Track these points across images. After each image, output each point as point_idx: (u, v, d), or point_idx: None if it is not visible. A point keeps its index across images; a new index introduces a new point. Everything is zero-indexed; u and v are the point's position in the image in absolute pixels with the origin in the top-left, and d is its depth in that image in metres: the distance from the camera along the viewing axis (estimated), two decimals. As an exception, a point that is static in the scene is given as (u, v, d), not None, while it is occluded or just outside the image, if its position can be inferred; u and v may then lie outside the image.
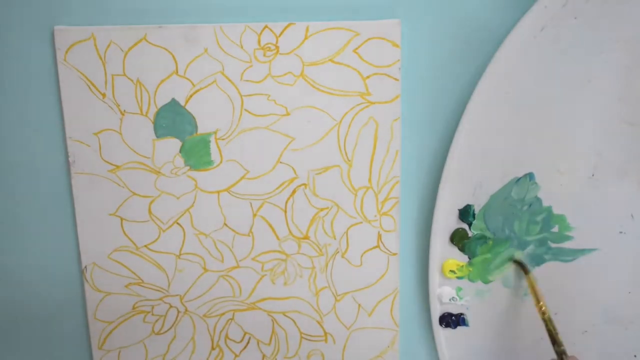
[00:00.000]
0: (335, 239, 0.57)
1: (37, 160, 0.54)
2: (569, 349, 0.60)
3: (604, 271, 0.59)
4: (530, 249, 0.58)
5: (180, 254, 0.56)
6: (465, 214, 0.57)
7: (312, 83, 0.54)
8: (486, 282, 0.59)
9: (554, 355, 0.55)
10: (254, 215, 0.56)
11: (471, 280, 0.59)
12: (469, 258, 0.58)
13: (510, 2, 0.54)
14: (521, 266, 0.57)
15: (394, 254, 0.58)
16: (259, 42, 0.52)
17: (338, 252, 0.58)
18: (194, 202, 0.55)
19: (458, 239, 0.57)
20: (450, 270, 0.58)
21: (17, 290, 0.57)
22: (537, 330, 0.60)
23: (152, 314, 0.57)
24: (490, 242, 0.58)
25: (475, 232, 0.57)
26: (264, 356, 0.60)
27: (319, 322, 0.60)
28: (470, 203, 0.57)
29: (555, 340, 0.54)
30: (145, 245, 0.56)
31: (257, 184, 0.56)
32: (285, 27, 0.52)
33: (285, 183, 0.56)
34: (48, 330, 0.58)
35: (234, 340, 0.59)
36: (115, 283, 0.56)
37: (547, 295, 0.59)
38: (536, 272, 0.58)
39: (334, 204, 0.57)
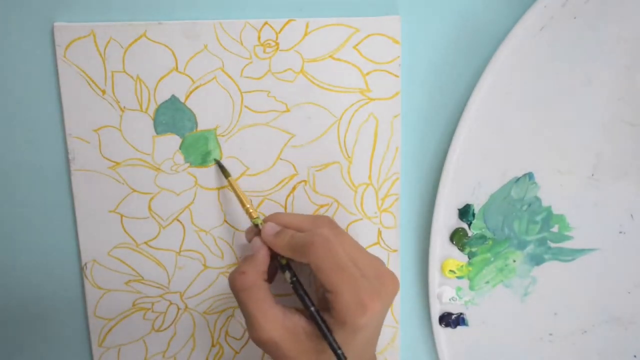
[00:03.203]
0: (335, 235, 0.57)
1: (37, 157, 0.54)
2: (569, 348, 0.60)
3: (604, 271, 0.59)
4: (530, 248, 0.58)
5: (180, 251, 0.56)
6: (465, 213, 0.57)
7: (312, 79, 0.54)
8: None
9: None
10: (254, 211, 0.56)
11: (470, 280, 0.59)
12: (469, 258, 0.58)
13: (510, 2, 0.54)
14: (221, 169, 0.55)
15: (394, 251, 0.58)
16: (258, 38, 0.53)
17: (338, 248, 0.57)
18: (194, 199, 0.55)
19: (458, 238, 0.57)
20: (450, 270, 0.58)
21: (17, 288, 0.57)
22: (537, 330, 0.60)
23: (152, 311, 0.57)
24: (490, 242, 0.58)
25: (475, 232, 0.57)
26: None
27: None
28: (469, 202, 0.57)
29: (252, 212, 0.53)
30: (145, 242, 0.56)
31: (257, 181, 0.56)
32: (285, 24, 0.52)
33: (286, 180, 0.56)
34: (48, 327, 0.58)
35: (234, 337, 0.59)
36: (115, 280, 0.56)
37: (547, 295, 0.59)
38: (536, 272, 0.58)
39: (334, 201, 0.56)
